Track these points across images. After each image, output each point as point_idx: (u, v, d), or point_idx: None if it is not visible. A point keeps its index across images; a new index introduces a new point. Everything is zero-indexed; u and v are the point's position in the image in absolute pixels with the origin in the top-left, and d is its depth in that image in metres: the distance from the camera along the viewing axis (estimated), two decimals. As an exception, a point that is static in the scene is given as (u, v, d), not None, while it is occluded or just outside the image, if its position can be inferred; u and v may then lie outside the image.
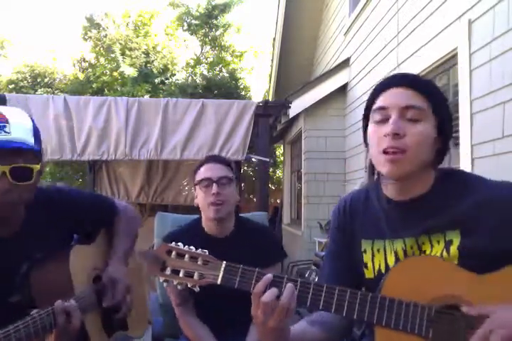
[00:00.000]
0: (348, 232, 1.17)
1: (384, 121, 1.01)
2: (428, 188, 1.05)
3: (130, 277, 1.44)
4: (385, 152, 0.99)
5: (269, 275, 0.96)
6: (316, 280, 4.20)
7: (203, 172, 1.73)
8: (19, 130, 1.12)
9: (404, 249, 1.06)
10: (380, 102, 1.03)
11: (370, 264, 1.11)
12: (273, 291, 0.95)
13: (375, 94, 1.06)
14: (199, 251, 1.01)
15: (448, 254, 1.00)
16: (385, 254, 1.09)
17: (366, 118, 1.09)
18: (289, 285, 0.96)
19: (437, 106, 1.01)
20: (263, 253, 1.70)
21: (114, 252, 1.46)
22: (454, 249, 1.00)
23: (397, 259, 1.07)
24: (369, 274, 1.12)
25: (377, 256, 1.10)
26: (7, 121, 1.11)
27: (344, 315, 0.95)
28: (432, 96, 1.01)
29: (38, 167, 1.16)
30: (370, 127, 1.04)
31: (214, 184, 1.68)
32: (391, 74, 1.10)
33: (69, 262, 1.27)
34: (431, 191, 1.05)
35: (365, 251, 1.12)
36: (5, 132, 1.09)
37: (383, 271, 1.09)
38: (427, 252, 1.04)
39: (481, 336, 0.85)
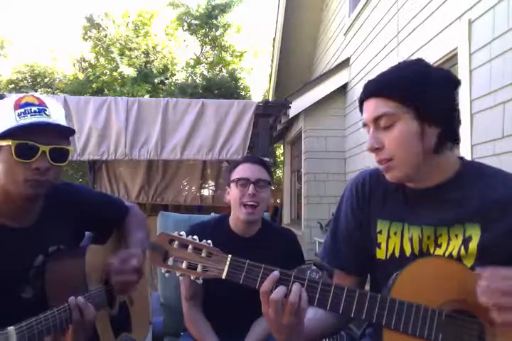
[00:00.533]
0: (365, 209, 1.14)
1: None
2: (449, 177, 1.04)
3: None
4: (378, 162, 1.03)
5: (275, 273, 0.94)
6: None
7: (242, 171, 1.71)
8: (57, 114, 1.19)
9: (420, 238, 1.04)
10: (363, 119, 1.06)
11: (383, 245, 1.09)
12: (281, 289, 0.92)
13: (360, 108, 1.09)
14: (203, 242, 0.97)
15: (466, 252, 0.98)
16: (402, 238, 1.06)
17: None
18: (296, 283, 0.94)
19: (407, 99, 0.98)
20: (285, 257, 1.67)
21: (132, 241, 1.42)
22: (473, 246, 0.98)
23: (412, 247, 1.05)
24: (381, 255, 1.09)
25: (393, 239, 1.08)
26: (46, 106, 1.17)
27: (352, 316, 0.93)
28: (396, 93, 0.99)
29: (71, 149, 1.23)
30: None
31: (251, 184, 1.67)
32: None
33: (84, 260, 1.27)
34: (452, 181, 1.04)
35: (380, 232, 1.10)
36: (46, 115, 1.15)
37: (397, 254, 1.06)
38: (443, 245, 1.01)
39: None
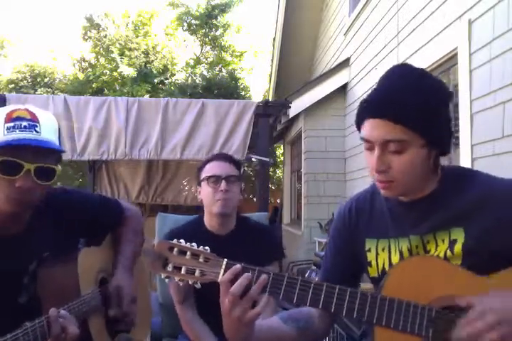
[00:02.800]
0: (353, 232, 1.18)
1: (371, 148, 1.02)
2: (433, 189, 1.06)
3: (135, 284, 1.43)
4: (378, 181, 1.04)
5: (237, 266, 0.96)
6: (316, 279, 4.20)
7: (212, 169, 1.75)
8: (48, 130, 1.14)
9: (409, 249, 1.06)
10: (363, 132, 1.03)
11: (374, 263, 1.12)
12: (241, 282, 0.94)
13: (359, 119, 1.05)
14: (201, 248, 1.01)
15: (452, 253, 1.01)
16: (390, 253, 1.10)
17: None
18: (263, 276, 0.95)
19: (420, 129, 0.97)
20: (261, 252, 1.70)
21: (121, 259, 1.44)
22: (458, 247, 1.00)
23: (401, 259, 1.07)
24: (373, 273, 1.13)
25: (382, 255, 1.11)
26: (38, 121, 1.13)
27: (333, 311, 0.95)
28: (410, 122, 0.96)
29: (59, 168, 1.18)
30: (364, 150, 1.05)
31: (223, 181, 1.70)
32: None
33: (77, 264, 1.27)
34: (436, 191, 1.06)
35: (369, 250, 1.13)
36: (36, 131, 1.11)
37: (387, 269, 1.09)
38: (432, 252, 1.04)
39: (472, 318, 0.86)
